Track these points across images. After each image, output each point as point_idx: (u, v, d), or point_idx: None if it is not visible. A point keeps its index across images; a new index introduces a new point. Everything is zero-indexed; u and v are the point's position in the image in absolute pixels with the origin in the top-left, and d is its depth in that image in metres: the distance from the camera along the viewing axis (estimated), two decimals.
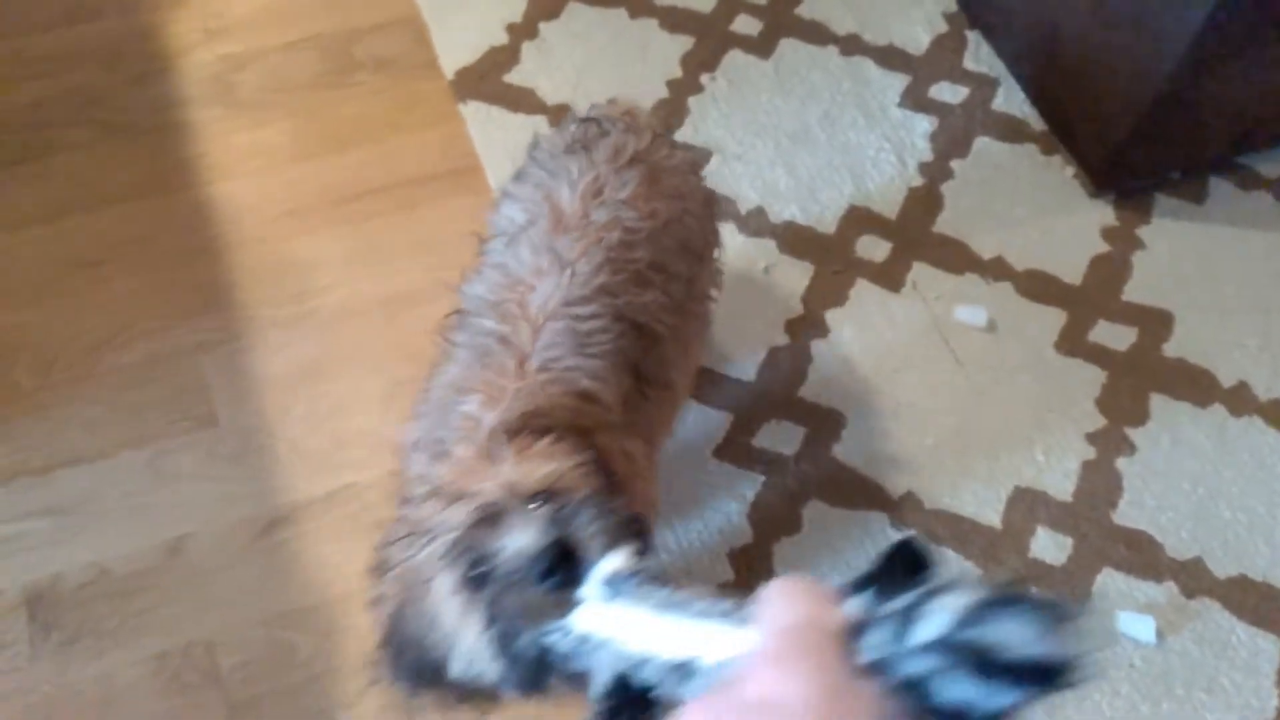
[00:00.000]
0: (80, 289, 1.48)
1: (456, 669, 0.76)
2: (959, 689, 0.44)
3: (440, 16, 1.77)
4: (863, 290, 1.54)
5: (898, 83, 1.74)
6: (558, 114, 1.67)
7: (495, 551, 0.72)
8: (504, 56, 1.73)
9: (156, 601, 1.27)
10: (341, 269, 1.52)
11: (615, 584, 0.68)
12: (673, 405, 1.10)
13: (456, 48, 1.73)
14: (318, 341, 1.46)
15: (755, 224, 1.59)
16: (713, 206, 1.16)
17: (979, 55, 1.78)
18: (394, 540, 0.81)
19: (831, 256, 1.56)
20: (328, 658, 1.24)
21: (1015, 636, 0.44)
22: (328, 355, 1.45)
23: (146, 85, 1.68)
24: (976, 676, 0.44)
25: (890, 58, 1.77)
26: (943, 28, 1.81)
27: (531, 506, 0.73)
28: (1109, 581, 1.32)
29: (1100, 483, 1.39)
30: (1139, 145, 1.55)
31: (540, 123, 1.66)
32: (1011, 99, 1.73)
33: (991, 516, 1.36)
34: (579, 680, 0.72)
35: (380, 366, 1.44)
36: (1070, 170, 1.67)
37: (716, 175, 1.62)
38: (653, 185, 1.03)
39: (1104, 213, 1.63)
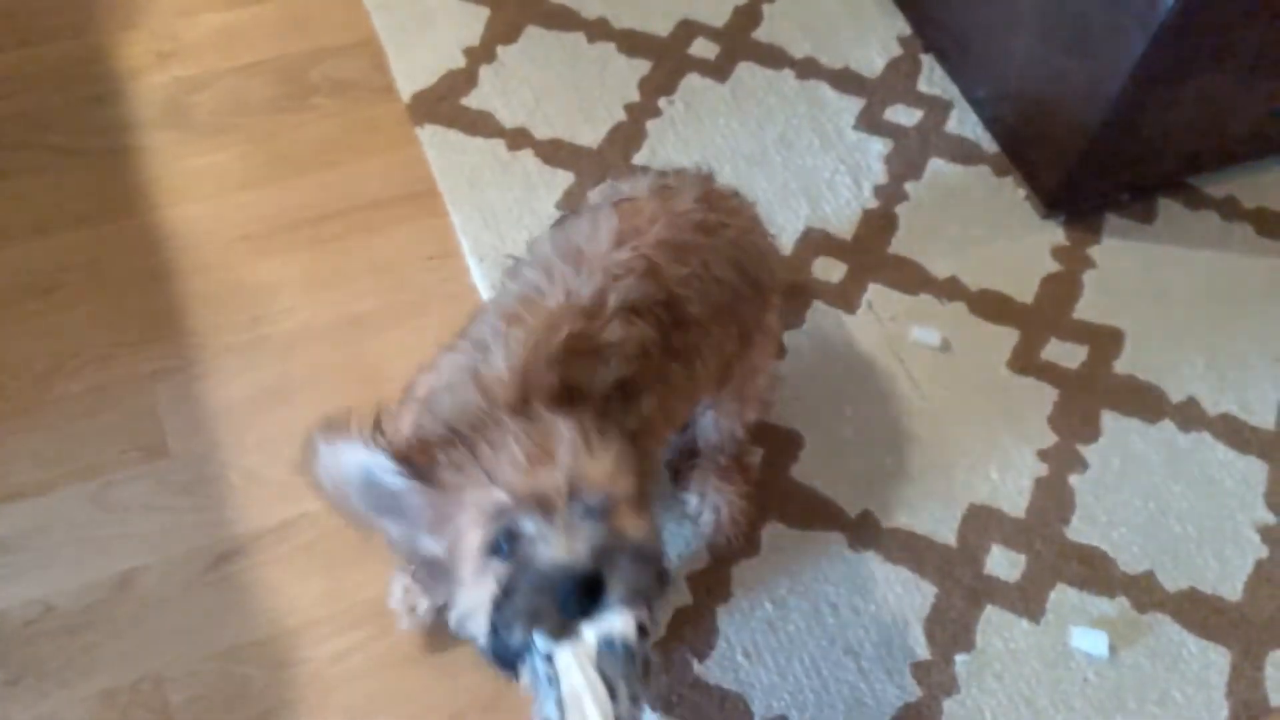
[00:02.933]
0: (29, 315, 1.45)
1: (458, 610, 0.77)
2: None
3: (398, 40, 1.76)
4: (819, 312, 1.55)
5: (853, 106, 1.76)
6: (515, 138, 1.67)
7: (531, 540, 0.71)
8: (461, 80, 1.73)
9: (104, 637, 1.23)
10: (298, 294, 1.51)
11: (609, 645, 0.68)
12: (687, 388, 1.08)
13: (414, 71, 1.73)
14: (273, 367, 1.44)
15: None
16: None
17: (933, 78, 1.81)
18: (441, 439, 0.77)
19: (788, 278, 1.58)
20: (281, 691, 1.22)
21: None
22: (283, 381, 1.43)
23: (99, 108, 1.65)
24: None
25: (845, 81, 1.79)
26: (897, 51, 1.84)
27: (584, 516, 0.71)
28: (1062, 597, 1.34)
29: (1053, 499, 1.41)
30: (1088, 168, 1.58)
31: (498, 146, 1.66)
32: (964, 122, 1.76)
33: (947, 535, 1.37)
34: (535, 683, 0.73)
35: (337, 391, 1.42)
36: (1022, 192, 1.69)
37: None
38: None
39: (1055, 233, 1.66)
